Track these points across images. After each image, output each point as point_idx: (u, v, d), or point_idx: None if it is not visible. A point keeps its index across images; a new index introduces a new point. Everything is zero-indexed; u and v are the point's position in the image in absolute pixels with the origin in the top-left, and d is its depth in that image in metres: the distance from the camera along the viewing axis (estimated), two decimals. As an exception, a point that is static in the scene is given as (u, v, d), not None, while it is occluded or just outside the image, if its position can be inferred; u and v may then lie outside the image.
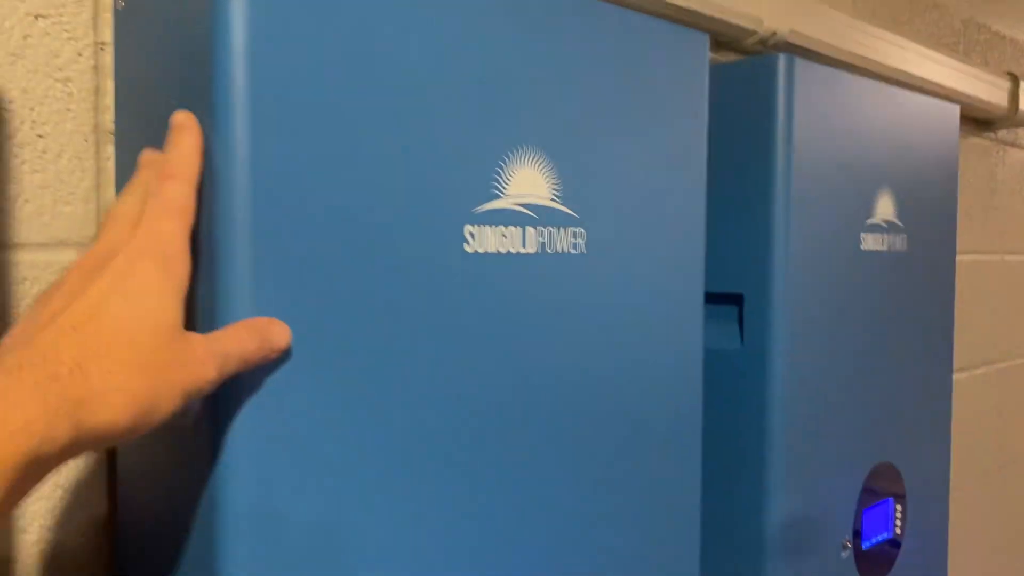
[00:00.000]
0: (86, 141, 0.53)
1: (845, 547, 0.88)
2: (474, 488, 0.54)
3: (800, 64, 0.78)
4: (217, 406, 0.44)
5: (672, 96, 0.67)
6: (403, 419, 0.50)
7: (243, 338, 0.42)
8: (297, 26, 0.45)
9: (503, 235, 0.55)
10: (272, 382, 0.44)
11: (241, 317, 0.43)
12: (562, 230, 0.59)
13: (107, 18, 0.54)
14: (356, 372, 0.48)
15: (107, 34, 0.54)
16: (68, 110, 0.53)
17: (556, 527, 0.59)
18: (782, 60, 0.78)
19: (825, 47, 1.00)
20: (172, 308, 0.39)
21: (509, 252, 0.56)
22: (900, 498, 0.95)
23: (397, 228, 0.50)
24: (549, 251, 0.58)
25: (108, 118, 0.54)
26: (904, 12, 1.27)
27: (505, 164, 0.55)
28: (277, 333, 0.44)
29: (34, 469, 0.32)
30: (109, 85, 0.54)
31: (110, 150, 0.55)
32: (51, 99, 0.52)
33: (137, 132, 0.51)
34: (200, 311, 0.44)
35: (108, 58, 0.54)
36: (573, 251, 0.60)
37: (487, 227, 0.54)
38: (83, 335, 0.36)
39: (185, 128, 0.43)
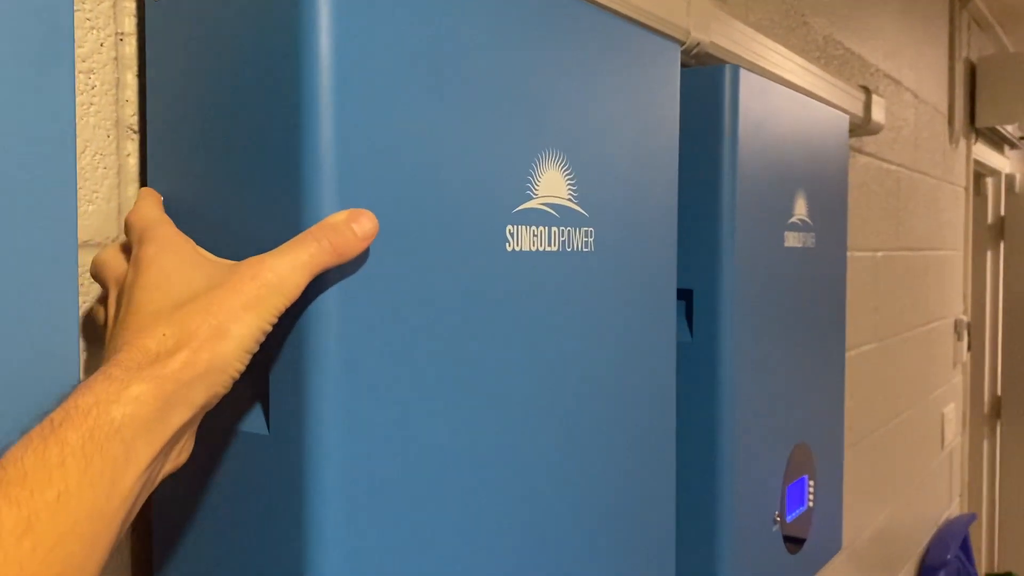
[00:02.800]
0: (108, 137, 0.50)
1: (775, 521, 0.95)
2: (509, 466, 0.55)
3: (743, 74, 0.84)
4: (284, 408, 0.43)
5: (652, 102, 0.70)
6: (460, 409, 0.51)
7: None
8: (374, 41, 0.45)
9: (534, 234, 0.57)
10: (347, 382, 0.44)
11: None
12: (577, 229, 0.61)
13: (127, 7, 0.51)
14: (422, 366, 0.48)
15: (127, 24, 0.51)
16: (91, 104, 0.49)
17: (559, 505, 0.61)
18: (728, 71, 0.84)
19: (735, 58, 1.07)
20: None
21: (538, 251, 0.57)
22: (812, 474, 1.04)
23: (453, 229, 0.50)
24: (568, 249, 0.60)
25: (129, 113, 0.51)
26: (780, 27, 1.38)
27: (536, 165, 0.57)
28: (360, 226, 0.43)
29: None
30: (129, 78, 0.51)
31: (131, 147, 0.52)
32: (75, 91, 0.49)
33: (170, 130, 0.49)
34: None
35: (128, 50, 0.51)
36: (585, 249, 0.62)
37: (522, 226, 0.56)
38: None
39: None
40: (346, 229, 0.42)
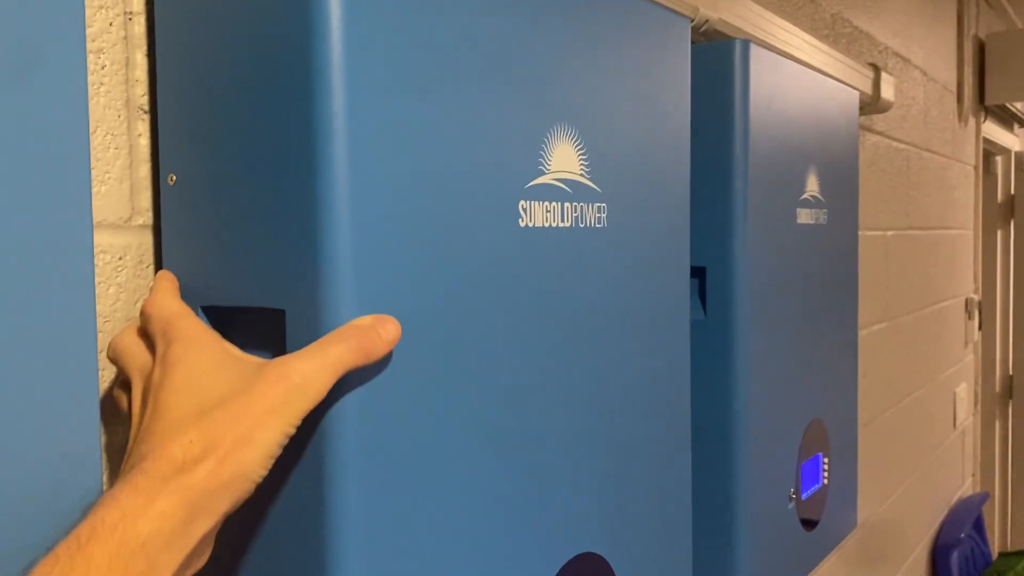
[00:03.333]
0: (119, 117, 0.50)
1: (791, 499, 0.95)
2: (522, 443, 0.55)
3: (753, 49, 0.84)
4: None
5: (663, 77, 0.70)
6: (483, 387, 0.51)
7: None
8: (384, 17, 0.45)
9: (547, 210, 0.57)
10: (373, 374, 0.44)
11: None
12: (590, 205, 0.61)
13: (135, -14, 0.51)
14: (446, 348, 0.48)
15: (135, 3, 0.51)
16: (101, 84, 0.49)
17: (579, 482, 0.61)
18: (738, 45, 0.83)
19: (744, 35, 1.07)
20: None
21: (551, 226, 0.57)
22: (826, 451, 1.04)
23: (466, 205, 0.50)
24: (581, 225, 0.60)
25: (139, 93, 0.51)
26: (788, 4, 1.37)
27: (548, 140, 0.56)
28: (386, 331, 0.44)
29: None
30: (139, 58, 0.51)
31: (141, 127, 0.51)
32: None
33: (181, 110, 0.49)
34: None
35: (137, 29, 0.51)
36: (598, 225, 0.62)
37: (535, 202, 0.55)
38: None
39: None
40: (372, 332, 0.43)
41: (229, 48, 0.46)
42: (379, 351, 0.43)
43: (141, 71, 0.51)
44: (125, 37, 0.50)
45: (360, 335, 0.42)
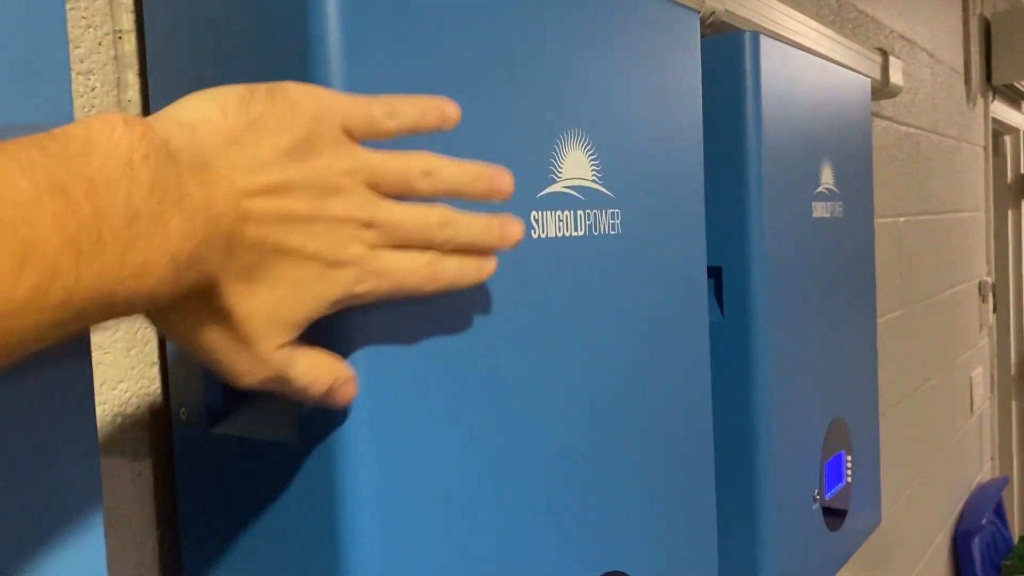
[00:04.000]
0: (112, 140, 0.48)
1: (815, 499, 0.93)
2: (545, 457, 0.53)
3: (763, 41, 0.81)
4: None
5: (674, 74, 0.68)
6: (502, 405, 0.49)
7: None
8: (383, 37, 0.43)
9: (559, 219, 0.54)
10: (379, 373, 0.42)
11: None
12: (603, 211, 0.59)
13: (124, 3, 0.49)
14: (451, 369, 0.46)
15: (125, 21, 0.49)
16: (92, 107, 0.47)
17: (591, 489, 0.59)
18: (748, 37, 0.81)
19: (751, 25, 1.04)
20: None
21: (565, 236, 0.55)
22: (849, 449, 1.02)
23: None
24: (595, 233, 0.58)
25: (132, 114, 0.49)
26: (792, -8, 1.34)
27: (559, 146, 0.54)
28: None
29: None
30: (131, 77, 0.49)
31: (136, 149, 0.49)
32: (73, 94, 0.46)
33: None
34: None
35: (127, 47, 0.49)
36: (612, 232, 0.60)
37: (547, 212, 0.53)
38: None
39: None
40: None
41: (225, 67, 0.44)
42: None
43: (134, 91, 0.49)
44: (115, 57, 0.48)
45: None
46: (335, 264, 0.35)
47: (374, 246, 0.36)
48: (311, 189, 0.34)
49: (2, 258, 0.24)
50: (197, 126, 0.31)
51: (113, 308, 0.28)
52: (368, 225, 0.36)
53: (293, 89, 0.34)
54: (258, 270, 0.33)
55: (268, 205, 0.33)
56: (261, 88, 0.34)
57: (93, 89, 0.47)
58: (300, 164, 0.34)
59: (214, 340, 0.34)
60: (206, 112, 0.32)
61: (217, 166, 0.31)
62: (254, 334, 0.34)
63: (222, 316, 0.33)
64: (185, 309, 0.32)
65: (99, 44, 0.47)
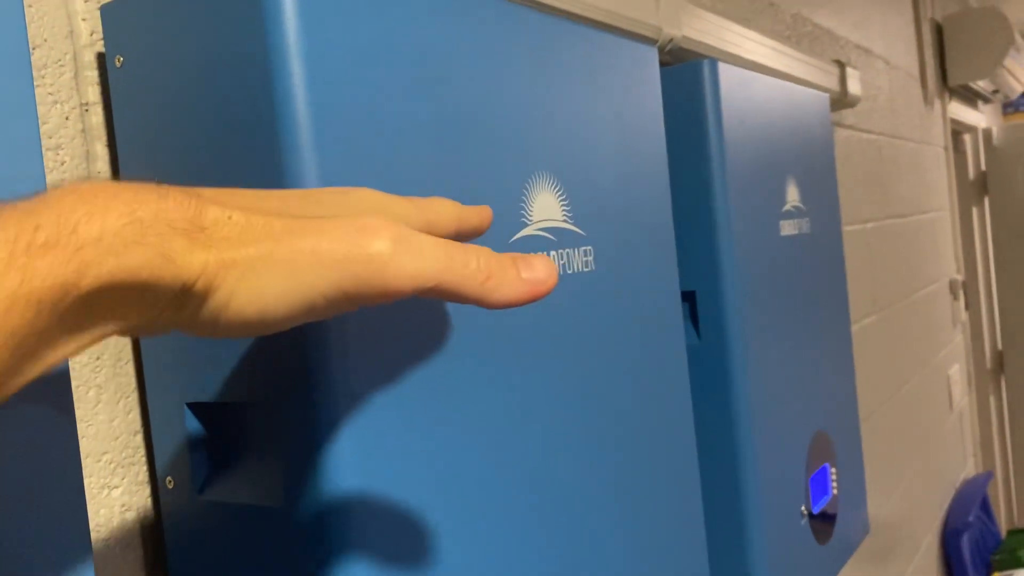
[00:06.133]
0: (84, 213, 0.48)
1: (803, 515, 0.94)
2: (532, 494, 0.54)
3: (722, 67, 0.83)
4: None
5: (636, 108, 0.69)
6: (481, 451, 0.49)
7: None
8: (346, 69, 0.43)
9: (533, 262, 0.55)
10: (362, 417, 0.42)
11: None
12: (576, 250, 0.59)
13: (89, 76, 0.49)
14: (432, 421, 0.47)
15: (91, 93, 0.49)
16: (63, 181, 0.47)
17: (583, 523, 0.59)
18: (706, 66, 0.82)
19: (709, 49, 1.06)
20: None
21: (539, 278, 0.55)
22: (832, 460, 1.03)
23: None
24: (569, 271, 0.59)
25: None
26: (747, 11, 1.37)
27: (528, 190, 0.55)
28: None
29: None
30: (100, 149, 0.49)
31: (108, 220, 0.49)
32: (45, 170, 0.47)
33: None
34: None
35: (95, 119, 0.49)
36: (586, 269, 0.60)
37: (520, 255, 0.54)
38: None
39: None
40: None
41: (191, 134, 0.44)
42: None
43: (103, 163, 0.49)
44: (83, 130, 0.49)
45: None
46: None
47: None
48: None
49: None
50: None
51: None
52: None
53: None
54: None
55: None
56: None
57: (63, 163, 0.48)
58: None
59: None
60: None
61: None
62: None
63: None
64: None
65: (66, 118, 0.48)
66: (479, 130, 0.51)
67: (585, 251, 0.60)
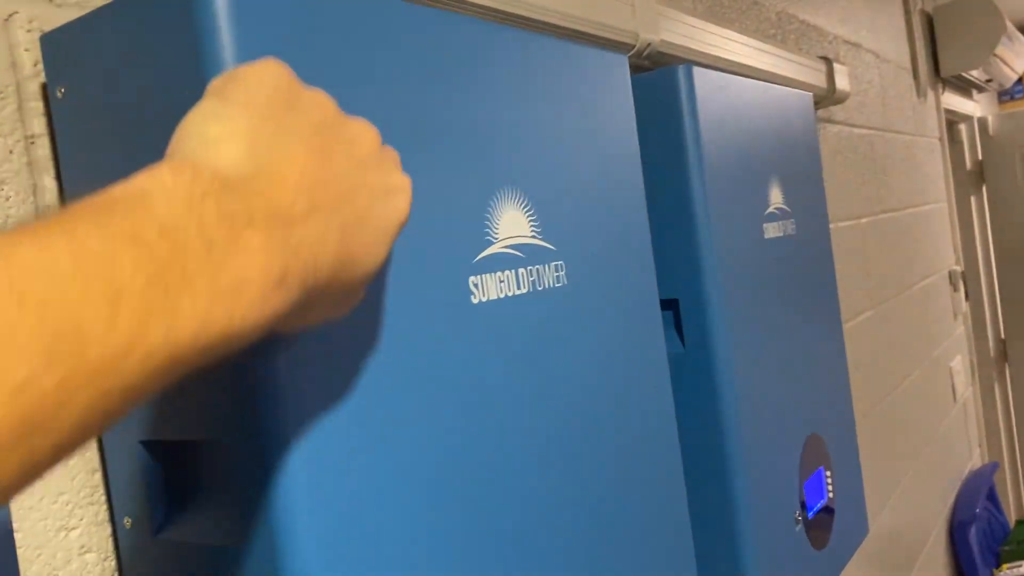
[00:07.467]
0: (32, 248, 0.47)
1: (797, 521, 0.92)
2: (514, 515, 0.52)
3: (697, 72, 0.82)
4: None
5: (606, 117, 0.67)
6: (448, 476, 0.48)
7: None
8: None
9: (500, 280, 0.54)
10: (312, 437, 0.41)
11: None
12: (546, 266, 0.58)
13: (34, 107, 0.48)
14: (388, 431, 0.45)
15: (36, 125, 0.48)
16: (7, 218, 0.46)
17: (563, 542, 0.58)
18: (681, 72, 0.81)
19: (689, 52, 1.05)
20: None
21: (507, 296, 0.54)
22: (828, 464, 1.01)
23: (413, 289, 0.47)
24: (539, 288, 0.57)
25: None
26: (731, 11, 1.36)
27: (493, 208, 0.54)
28: None
29: None
30: (47, 182, 0.48)
31: (59, 254, 0.48)
32: (-12, 207, 0.45)
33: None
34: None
35: (42, 152, 0.48)
36: (558, 284, 0.59)
37: (486, 275, 0.53)
38: None
39: None
40: None
41: (135, 164, 0.43)
42: None
43: (51, 195, 0.48)
44: (29, 163, 0.47)
45: None
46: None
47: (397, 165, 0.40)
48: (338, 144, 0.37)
49: (95, 307, 0.25)
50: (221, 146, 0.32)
51: (211, 341, 0.28)
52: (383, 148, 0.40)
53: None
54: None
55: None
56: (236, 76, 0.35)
57: (8, 199, 0.46)
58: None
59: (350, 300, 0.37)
60: (226, 129, 0.33)
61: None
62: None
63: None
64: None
65: (11, 152, 0.47)
66: (438, 148, 0.50)
67: (556, 266, 0.59)
